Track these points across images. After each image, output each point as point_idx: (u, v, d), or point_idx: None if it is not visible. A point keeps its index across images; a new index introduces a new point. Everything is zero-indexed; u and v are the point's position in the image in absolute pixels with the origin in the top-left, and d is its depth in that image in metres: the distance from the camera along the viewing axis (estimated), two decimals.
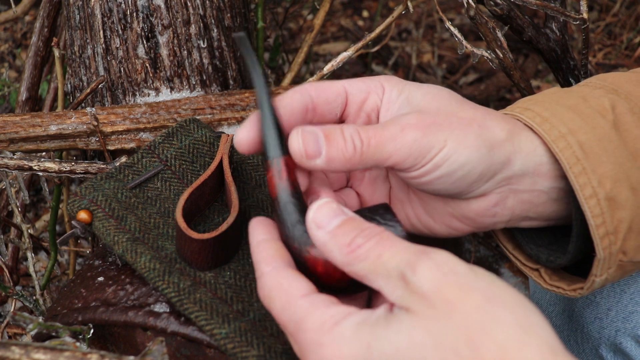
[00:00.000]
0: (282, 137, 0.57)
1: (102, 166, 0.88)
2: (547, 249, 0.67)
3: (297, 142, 0.56)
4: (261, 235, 0.56)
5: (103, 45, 1.02)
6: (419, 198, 0.66)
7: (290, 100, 0.60)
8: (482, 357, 0.43)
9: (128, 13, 1.01)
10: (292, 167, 0.57)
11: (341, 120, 0.64)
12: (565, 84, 1.07)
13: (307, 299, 0.51)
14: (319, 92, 0.61)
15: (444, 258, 0.48)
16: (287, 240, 0.56)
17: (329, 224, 0.53)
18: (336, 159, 0.56)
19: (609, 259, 0.60)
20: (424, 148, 0.57)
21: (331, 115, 0.63)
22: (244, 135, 0.58)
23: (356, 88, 0.62)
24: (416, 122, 0.57)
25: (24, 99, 1.25)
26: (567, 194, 0.62)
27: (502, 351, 0.43)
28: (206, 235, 0.67)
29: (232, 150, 0.81)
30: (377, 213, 0.58)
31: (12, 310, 1.15)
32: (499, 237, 0.70)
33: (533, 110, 0.62)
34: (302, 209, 0.56)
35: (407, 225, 0.68)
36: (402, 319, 0.47)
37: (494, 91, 1.96)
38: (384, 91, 0.62)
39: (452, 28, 0.98)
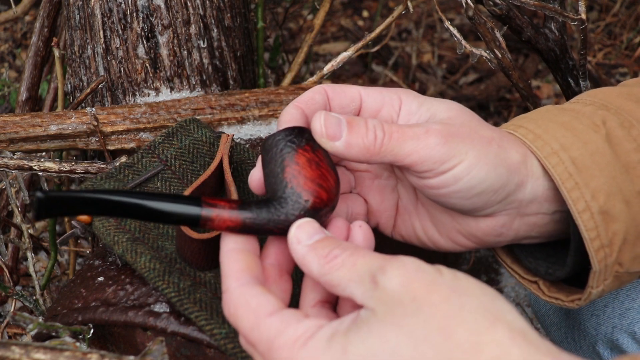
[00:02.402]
0: (181, 198, 0.56)
1: (102, 166, 0.88)
2: (545, 261, 0.67)
3: (319, 122, 0.57)
4: (232, 244, 0.56)
5: (103, 45, 1.02)
6: (427, 211, 0.67)
7: (311, 101, 0.61)
8: (456, 342, 0.44)
9: (128, 13, 1.01)
10: (213, 199, 0.56)
11: None
12: (564, 83, 1.07)
13: (277, 316, 0.51)
14: (335, 94, 0.62)
15: (411, 260, 0.49)
16: (286, 223, 0.56)
17: (308, 239, 0.54)
18: (355, 145, 0.57)
19: (605, 271, 0.61)
20: (445, 154, 0.57)
21: None
22: (256, 176, 0.61)
23: (372, 97, 0.63)
24: (440, 129, 0.58)
25: (24, 99, 1.25)
26: (568, 213, 0.63)
27: (474, 334, 0.44)
28: (206, 235, 0.67)
29: (232, 150, 0.81)
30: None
31: (12, 310, 1.15)
32: (498, 251, 0.71)
33: (526, 127, 0.63)
34: (258, 202, 0.57)
35: (412, 236, 0.68)
36: (370, 319, 0.47)
37: (493, 91, 1.96)
38: (400, 104, 0.62)
39: (451, 28, 0.98)
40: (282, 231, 0.57)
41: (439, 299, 0.46)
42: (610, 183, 0.60)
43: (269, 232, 0.57)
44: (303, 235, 0.54)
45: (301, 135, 0.58)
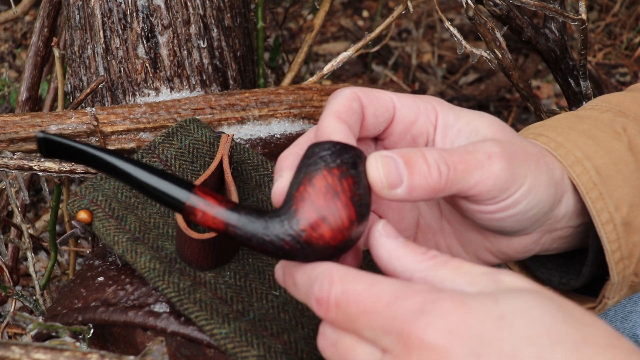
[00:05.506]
0: (175, 179, 0.51)
1: None
2: (557, 271, 0.66)
3: (377, 170, 0.49)
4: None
5: (103, 45, 1.02)
6: (453, 229, 0.62)
7: (351, 111, 0.53)
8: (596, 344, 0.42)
9: (128, 13, 1.01)
10: (207, 191, 0.51)
11: (381, 139, 0.59)
12: (565, 84, 1.07)
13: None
14: (369, 102, 0.55)
15: (515, 276, 0.47)
16: (270, 246, 0.50)
17: (398, 236, 0.49)
18: (419, 188, 0.50)
19: (622, 282, 0.59)
20: (509, 180, 0.53)
21: (374, 130, 0.57)
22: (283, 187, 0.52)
23: (406, 106, 0.56)
24: (500, 151, 0.52)
25: (24, 99, 1.25)
26: (589, 224, 0.61)
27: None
28: (206, 235, 0.67)
29: (232, 150, 0.81)
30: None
31: (12, 310, 1.15)
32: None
33: (547, 135, 0.60)
34: (257, 209, 0.51)
35: None
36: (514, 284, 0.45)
37: (493, 91, 1.96)
38: (437, 115, 0.57)
39: (451, 28, 0.98)
40: (265, 252, 0.50)
41: (573, 306, 0.45)
42: (633, 193, 0.58)
43: (251, 248, 0.50)
44: (391, 231, 0.49)
45: (339, 155, 0.50)
